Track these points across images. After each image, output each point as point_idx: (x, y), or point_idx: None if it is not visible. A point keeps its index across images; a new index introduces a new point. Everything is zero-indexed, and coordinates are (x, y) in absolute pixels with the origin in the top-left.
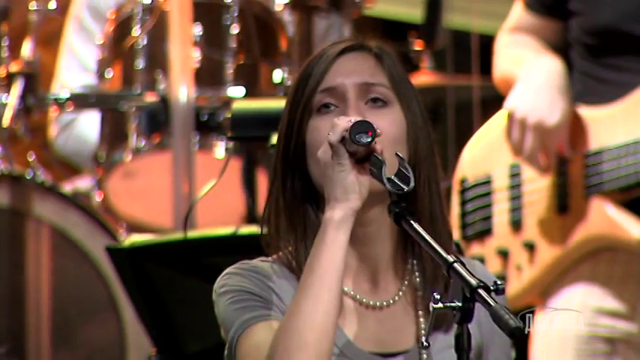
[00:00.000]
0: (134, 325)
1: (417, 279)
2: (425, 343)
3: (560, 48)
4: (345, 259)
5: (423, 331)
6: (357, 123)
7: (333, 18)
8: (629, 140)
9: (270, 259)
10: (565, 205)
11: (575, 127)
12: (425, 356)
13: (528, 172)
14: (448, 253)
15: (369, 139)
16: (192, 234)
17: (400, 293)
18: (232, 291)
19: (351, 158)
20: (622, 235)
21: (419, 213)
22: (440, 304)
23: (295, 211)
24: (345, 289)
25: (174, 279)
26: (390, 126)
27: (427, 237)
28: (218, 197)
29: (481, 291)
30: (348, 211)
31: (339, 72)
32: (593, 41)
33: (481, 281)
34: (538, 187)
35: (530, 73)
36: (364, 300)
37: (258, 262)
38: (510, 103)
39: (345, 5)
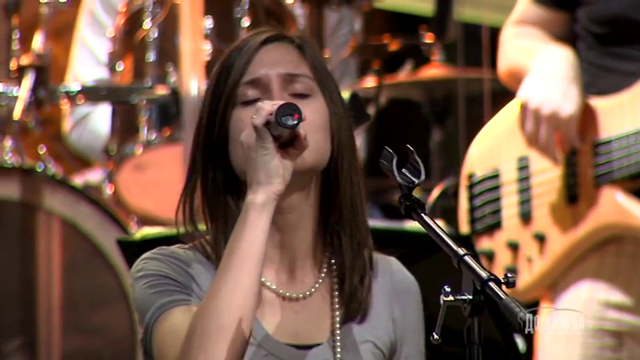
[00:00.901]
0: None
1: (335, 271)
2: (436, 337)
3: (566, 40)
4: (266, 245)
5: (337, 325)
6: (283, 105)
7: (343, 11)
8: (639, 128)
9: (187, 246)
10: (575, 195)
11: (584, 117)
12: (339, 349)
13: (536, 165)
14: (366, 245)
15: (296, 122)
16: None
17: (317, 285)
18: (150, 275)
19: (275, 142)
20: (633, 223)
21: (340, 202)
22: (451, 297)
23: (216, 202)
24: (263, 279)
25: None
26: (313, 114)
27: (438, 229)
28: None
29: (491, 284)
30: (270, 195)
31: (262, 63)
32: (601, 30)
33: (491, 274)
34: (547, 178)
35: (542, 63)
36: (281, 291)
37: (175, 248)
38: (524, 94)
39: None
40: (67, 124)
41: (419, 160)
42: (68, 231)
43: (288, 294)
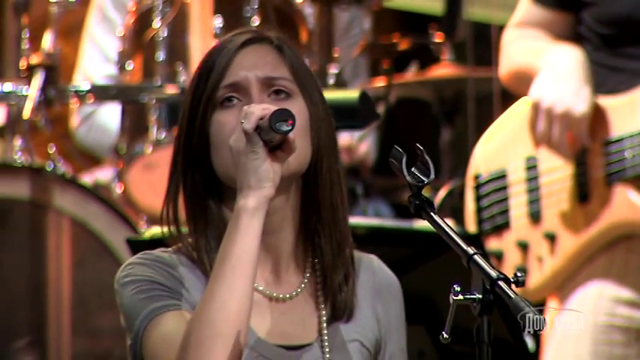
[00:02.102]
0: None
1: (318, 271)
2: (446, 336)
3: (570, 41)
4: (258, 248)
5: (324, 324)
6: (277, 111)
7: (354, 11)
8: None
9: (170, 249)
10: (586, 194)
11: (594, 116)
12: (327, 349)
13: (545, 164)
14: (347, 244)
15: (290, 128)
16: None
17: (302, 285)
18: (138, 281)
19: (265, 146)
20: None
21: (320, 201)
22: (460, 297)
23: (196, 205)
24: None
25: None
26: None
27: (447, 228)
28: None
29: (501, 283)
30: (262, 199)
31: (241, 66)
32: (608, 31)
33: (501, 273)
34: (557, 178)
35: (553, 63)
36: (268, 292)
37: (160, 252)
38: (535, 94)
39: None
40: (74, 121)
41: (428, 160)
42: (78, 230)
43: (274, 295)
